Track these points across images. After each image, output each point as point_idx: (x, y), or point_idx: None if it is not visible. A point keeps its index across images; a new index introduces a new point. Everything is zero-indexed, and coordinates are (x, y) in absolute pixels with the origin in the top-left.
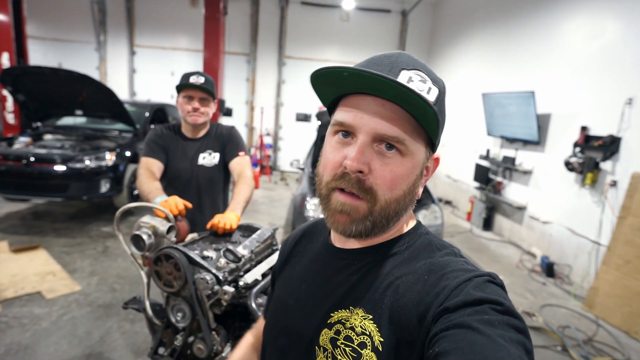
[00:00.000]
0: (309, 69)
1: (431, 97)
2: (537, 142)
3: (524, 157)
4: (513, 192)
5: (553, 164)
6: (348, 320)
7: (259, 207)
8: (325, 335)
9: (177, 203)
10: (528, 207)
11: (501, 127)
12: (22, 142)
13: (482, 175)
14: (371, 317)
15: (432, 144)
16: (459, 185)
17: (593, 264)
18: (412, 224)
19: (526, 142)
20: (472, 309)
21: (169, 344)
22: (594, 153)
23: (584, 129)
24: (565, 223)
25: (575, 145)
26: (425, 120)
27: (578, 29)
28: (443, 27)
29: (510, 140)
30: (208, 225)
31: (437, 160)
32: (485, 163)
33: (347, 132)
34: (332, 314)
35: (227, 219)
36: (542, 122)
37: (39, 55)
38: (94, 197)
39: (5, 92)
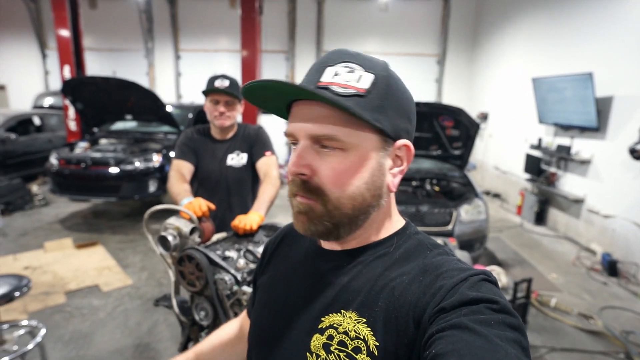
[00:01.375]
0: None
1: (363, 84)
2: (596, 129)
3: (580, 146)
4: (569, 183)
5: (616, 152)
6: (341, 325)
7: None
8: (317, 341)
9: (201, 205)
10: (586, 200)
11: (554, 113)
12: (81, 147)
13: (533, 166)
14: (365, 320)
15: (383, 131)
16: (508, 177)
17: None
18: (400, 224)
19: (583, 129)
20: (467, 309)
21: (196, 341)
22: None
23: None
24: (631, 217)
25: None
26: (350, 111)
27: None
28: (488, 11)
29: (565, 128)
30: (232, 226)
31: (406, 147)
32: (536, 153)
33: (295, 141)
34: (322, 319)
35: (247, 220)
36: (602, 107)
37: (95, 66)
38: (144, 197)
39: (66, 102)
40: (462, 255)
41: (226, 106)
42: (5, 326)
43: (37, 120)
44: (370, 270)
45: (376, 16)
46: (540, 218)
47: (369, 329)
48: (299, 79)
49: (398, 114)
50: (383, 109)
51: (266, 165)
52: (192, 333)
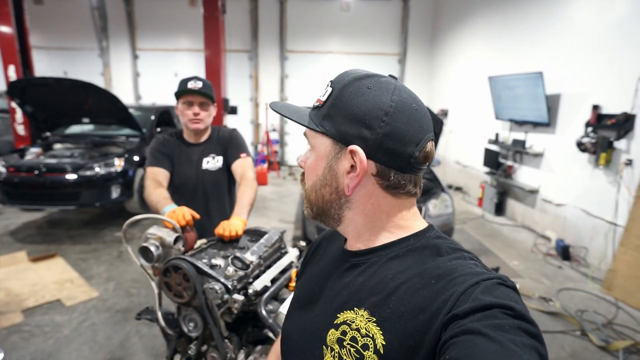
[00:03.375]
0: (311, 62)
1: (324, 97)
2: (547, 124)
3: (534, 140)
4: (524, 175)
5: (565, 146)
6: (354, 322)
7: (269, 203)
8: (332, 336)
9: (185, 214)
10: (540, 190)
11: (509, 110)
12: (33, 153)
13: (492, 159)
14: (375, 319)
15: (335, 137)
16: (469, 171)
17: (610, 246)
18: (419, 227)
19: (536, 124)
20: (481, 314)
21: (184, 353)
22: (607, 132)
23: (595, 107)
24: (580, 205)
25: (587, 125)
26: (300, 121)
27: (586, 5)
28: (445, 12)
29: (520, 123)
30: (215, 233)
31: (355, 152)
32: (494, 147)
33: None
34: (338, 315)
35: (232, 226)
36: (552, 103)
37: (44, 66)
38: (106, 204)
39: (13, 104)
40: None
41: (200, 107)
42: None
43: None
44: (384, 271)
45: (338, 16)
46: (499, 209)
47: (378, 328)
48: (262, 78)
49: (347, 120)
50: (330, 117)
51: (242, 167)
52: (179, 346)
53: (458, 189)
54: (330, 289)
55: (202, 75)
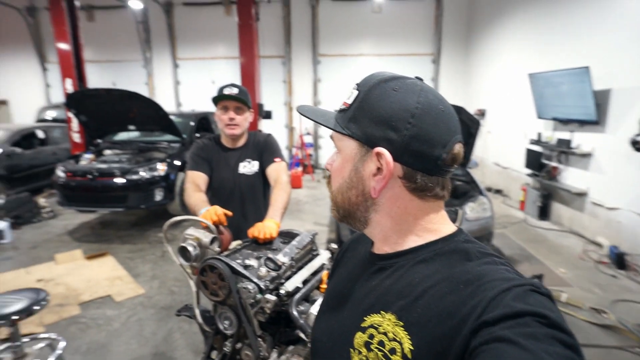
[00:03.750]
0: (343, 66)
1: (350, 100)
2: (595, 122)
3: (581, 139)
4: (571, 177)
5: (617, 145)
6: (381, 325)
7: (303, 206)
8: (360, 339)
9: (216, 211)
10: (589, 193)
11: (553, 108)
12: (86, 159)
13: (534, 160)
14: (402, 324)
15: (361, 139)
16: (509, 173)
17: None
18: (446, 231)
19: (583, 123)
20: (512, 322)
21: (220, 350)
22: None
23: None
24: (637, 209)
25: None
26: (318, 122)
27: None
28: (481, 8)
29: (564, 122)
30: (249, 234)
31: (381, 154)
32: (537, 148)
33: None
34: (365, 318)
35: (266, 228)
36: (601, 100)
37: (95, 78)
38: (151, 206)
39: (70, 114)
40: None
41: (236, 112)
42: (25, 340)
43: (40, 134)
44: (411, 275)
45: (370, 18)
46: (543, 212)
47: (406, 332)
48: (296, 82)
49: (373, 123)
50: (356, 119)
51: (276, 171)
52: (215, 342)
53: (498, 191)
54: (357, 292)
55: (238, 81)
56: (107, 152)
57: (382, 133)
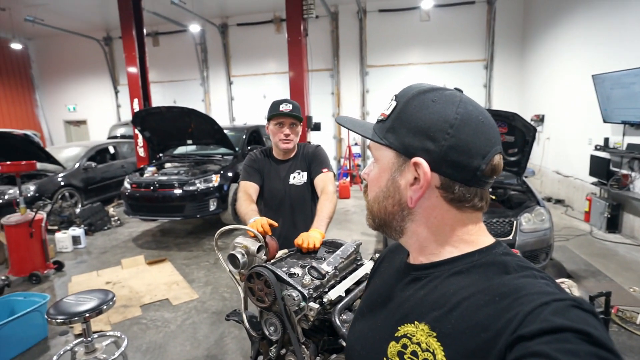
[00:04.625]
0: (391, 76)
1: (388, 111)
2: None
3: None
4: None
5: None
6: (414, 335)
7: (351, 216)
8: (393, 348)
9: (263, 223)
10: None
11: (622, 111)
12: (149, 172)
13: (600, 168)
14: (435, 334)
15: (399, 150)
16: (572, 182)
17: None
18: (484, 243)
19: None
20: (551, 337)
21: (265, 355)
22: None
23: None
24: None
25: None
26: (356, 132)
27: None
28: (537, 10)
29: (637, 126)
30: (295, 243)
31: (419, 164)
32: (603, 154)
33: None
34: (399, 328)
35: (310, 238)
36: None
37: (159, 97)
38: (205, 215)
39: (136, 131)
40: None
41: (290, 128)
42: (95, 336)
43: (111, 149)
44: (446, 286)
45: (418, 26)
46: (612, 224)
47: (439, 344)
48: (344, 94)
49: (411, 133)
50: (394, 130)
51: (323, 181)
52: (261, 347)
53: (559, 201)
54: (392, 302)
55: (287, 95)
56: (168, 165)
57: (419, 143)
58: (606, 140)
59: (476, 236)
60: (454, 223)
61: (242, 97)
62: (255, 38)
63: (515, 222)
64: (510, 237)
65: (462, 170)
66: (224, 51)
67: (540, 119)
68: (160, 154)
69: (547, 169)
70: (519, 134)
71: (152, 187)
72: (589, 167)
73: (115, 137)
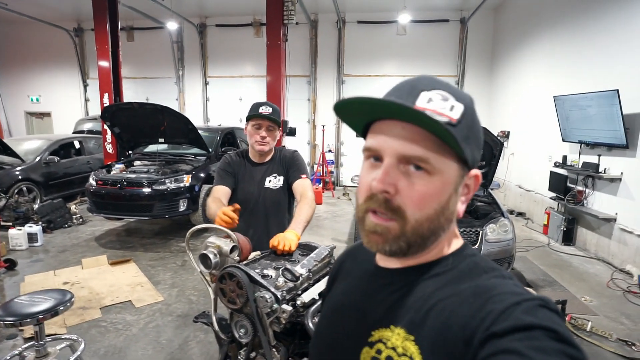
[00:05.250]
0: (368, 86)
1: (454, 114)
2: (624, 146)
3: (609, 163)
4: (598, 201)
5: None
6: (389, 340)
7: (323, 222)
8: (367, 354)
9: (224, 211)
10: (618, 219)
11: (579, 131)
12: (117, 169)
13: (558, 184)
14: (413, 338)
15: (464, 161)
16: (533, 196)
17: None
18: (457, 244)
19: (611, 147)
20: (522, 335)
21: (234, 358)
22: None
23: None
24: None
25: None
26: (446, 139)
27: None
28: (506, 31)
29: (591, 145)
30: (270, 244)
31: (476, 177)
32: (561, 171)
33: (377, 157)
34: (372, 332)
35: (286, 240)
36: (630, 124)
37: (131, 93)
38: (175, 216)
39: (105, 126)
40: None
41: (267, 131)
42: (48, 339)
43: (77, 144)
44: (421, 289)
45: (394, 39)
46: (568, 237)
47: (417, 347)
48: (320, 101)
49: (476, 145)
50: (468, 140)
51: (302, 187)
52: (230, 351)
53: (520, 214)
54: (363, 306)
55: (264, 99)
56: (137, 163)
57: (478, 155)
58: (564, 157)
59: (455, 237)
60: (455, 226)
61: (217, 99)
62: (233, 40)
63: (481, 232)
64: (476, 246)
65: None
66: (201, 51)
67: (506, 135)
68: (130, 151)
69: (511, 183)
70: (487, 147)
71: (119, 185)
72: (548, 183)
73: (82, 132)
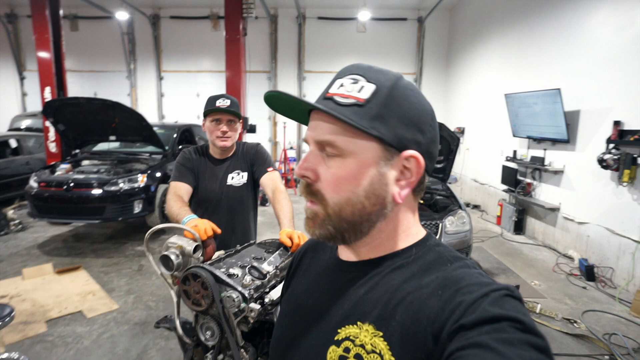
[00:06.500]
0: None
1: (363, 94)
2: (566, 141)
3: (553, 157)
4: (544, 193)
5: (585, 162)
6: (357, 337)
7: None
8: (333, 353)
9: (207, 229)
10: (561, 208)
11: (527, 127)
12: (62, 169)
13: (510, 177)
14: (382, 334)
15: (384, 140)
16: (487, 189)
17: (638, 265)
18: (420, 235)
19: (555, 141)
20: (489, 327)
21: None
22: (630, 148)
23: (617, 123)
24: (604, 223)
25: (609, 141)
26: (346, 120)
27: (604, 22)
28: (460, 31)
29: (538, 140)
30: (288, 243)
31: (414, 158)
32: (512, 165)
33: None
34: (339, 330)
35: (295, 233)
36: (571, 120)
37: (76, 87)
38: (129, 218)
39: (47, 123)
40: None
41: (228, 125)
42: None
43: (13, 143)
44: (387, 282)
45: (354, 37)
46: (519, 227)
47: (386, 343)
48: None
49: (402, 123)
50: (382, 118)
51: (272, 180)
52: (196, 355)
53: (476, 206)
54: (327, 303)
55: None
56: (85, 162)
57: (412, 135)
58: (515, 152)
59: (415, 227)
60: (411, 214)
61: (173, 94)
62: (190, 33)
63: (440, 224)
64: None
65: (433, 161)
66: (154, 44)
67: (462, 131)
68: (77, 150)
69: (467, 177)
70: (444, 143)
71: (65, 187)
72: (501, 176)
73: (19, 130)
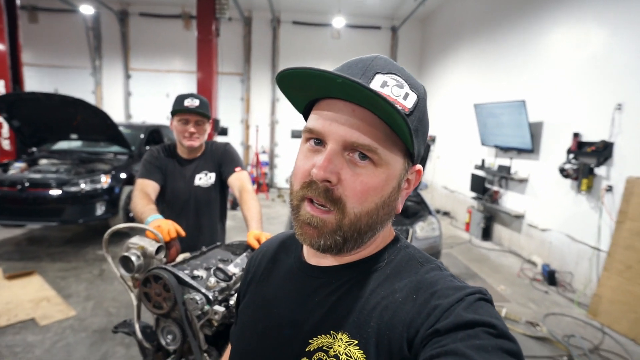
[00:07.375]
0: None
1: (408, 103)
2: (530, 150)
3: (519, 166)
4: (510, 200)
5: (548, 172)
6: (331, 347)
7: None
8: None
9: (170, 230)
10: (526, 215)
11: (495, 136)
12: (17, 168)
13: (478, 185)
14: (357, 342)
15: (410, 154)
16: (456, 196)
17: (595, 271)
18: (390, 237)
19: (520, 151)
20: (464, 333)
21: None
22: (587, 159)
23: (576, 135)
24: (564, 230)
25: (569, 152)
26: (399, 129)
27: (564, 38)
28: (432, 41)
29: (505, 150)
30: (255, 245)
31: (419, 172)
32: (481, 173)
33: (319, 140)
34: (310, 341)
35: (263, 235)
36: (535, 131)
37: (35, 82)
38: (90, 221)
39: (0, 119)
40: None
41: (196, 126)
42: None
43: None
44: (360, 288)
45: (329, 43)
46: (486, 234)
47: (362, 352)
48: (254, 101)
49: (423, 140)
50: (417, 133)
51: (240, 180)
52: None
53: (446, 213)
54: (295, 312)
55: None
56: (43, 161)
57: (422, 150)
58: (483, 161)
59: (388, 230)
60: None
61: (141, 94)
62: (160, 32)
63: (410, 229)
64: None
65: None
66: (122, 41)
67: (433, 140)
68: (34, 148)
69: (437, 184)
70: None
71: (19, 187)
72: (470, 184)
73: None
